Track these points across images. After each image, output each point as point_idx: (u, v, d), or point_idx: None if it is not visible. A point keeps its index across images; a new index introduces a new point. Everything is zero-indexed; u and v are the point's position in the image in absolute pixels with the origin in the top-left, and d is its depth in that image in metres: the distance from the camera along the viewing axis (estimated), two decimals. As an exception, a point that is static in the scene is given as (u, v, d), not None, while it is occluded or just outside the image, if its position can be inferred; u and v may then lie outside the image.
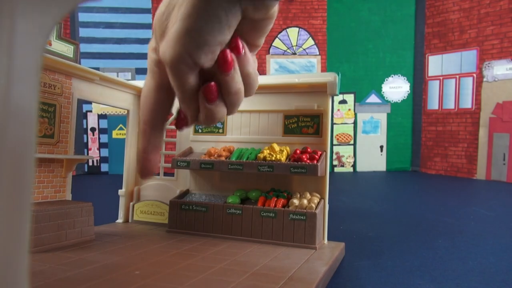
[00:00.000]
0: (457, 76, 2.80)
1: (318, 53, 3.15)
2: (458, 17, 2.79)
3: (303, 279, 0.48)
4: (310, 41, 3.15)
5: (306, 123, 0.73)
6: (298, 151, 0.71)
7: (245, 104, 0.78)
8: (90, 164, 2.94)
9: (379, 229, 0.94)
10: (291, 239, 0.65)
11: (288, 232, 0.65)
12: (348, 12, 3.13)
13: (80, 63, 0.74)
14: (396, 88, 3.10)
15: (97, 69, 3.27)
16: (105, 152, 2.96)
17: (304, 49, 3.16)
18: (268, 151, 0.71)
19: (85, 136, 2.94)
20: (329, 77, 0.69)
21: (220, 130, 0.80)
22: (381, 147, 3.11)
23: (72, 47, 0.74)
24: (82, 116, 2.93)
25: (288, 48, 3.15)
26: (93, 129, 2.95)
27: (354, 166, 3.12)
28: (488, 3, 2.63)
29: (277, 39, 3.14)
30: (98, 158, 2.95)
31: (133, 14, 2.99)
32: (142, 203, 0.85)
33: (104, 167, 2.95)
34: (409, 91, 3.11)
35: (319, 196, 0.70)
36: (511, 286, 0.57)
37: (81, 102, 2.91)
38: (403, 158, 3.14)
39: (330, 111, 0.71)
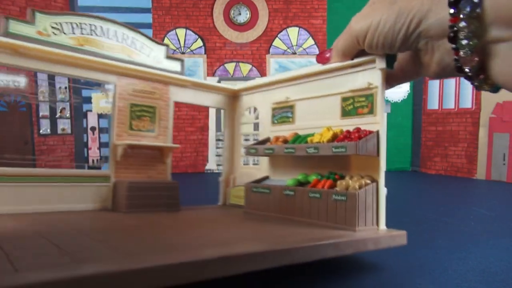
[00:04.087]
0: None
1: (318, 53, 3.15)
2: (458, 17, 2.79)
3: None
4: (310, 41, 3.15)
5: (361, 103, 0.71)
6: (346, 132, 0.69)
7: (306, 91, 0.81)
8: (90, 163, 2.95)
9: (379, 229, 0.93)
10: (333, 220, 0.64)
11: (331, 213, 0.65)
12: (348, 12, 3.12)
13: (184, 74, 0.93)
14: (396, 88, 3.10)
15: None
16: (105, 152, 2.96)
17: (304, 49, 3.15)
18: (318, 134, 0.72)
19: (85, 135, 2.94)
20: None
21: (290, 119, 0.83)
22: (381, 147, 3.11)
23: (179, 62, 0.94)
24: (82, 116, 2.93)
25: (288, 48, 3.15)
26: (93, 129, 2.95)
27: (354, 166, 3.12)
28: (488, 3, 2.62)
29: (277, 39, 3.14)
30: (98, 158, 2.95)
31: (133, 14, 2.99)
32: (235, 188, 0.95)
33: (105, 167, 2.95)
34: (409, 91, 3.11)
35: (372, 178, 0.66)
36: (511, 286, 0.57)
37: (81, 102, 2.91)
38: (403, 158, 3.14)
39: (383, 87, 0.66)
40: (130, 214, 0.75)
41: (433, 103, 2.97)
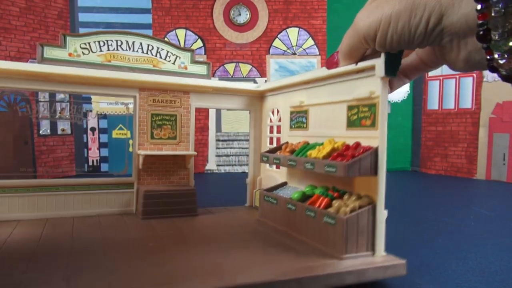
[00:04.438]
0: (457, 76, 2.80)
1: (318, 53, 3.15)
2: (458, 17, 2.79)
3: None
4: (310, 41, 3.15)
5: (365, 114, 0.63)
6: (344, 148, 0.64)
7: (318, 96, 0.77)
8: (90, 163, 2.94)
9: (379, 229, 0.93)
10: (324, 243, 0.60)
11: (323, 235, 0.61)
12: (348, 12, 3.12)
13: (210, 77, 0.95)
14: (396, 88, 3.10)
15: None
16: (105, 152, 2.96)
17: (304, 49, 3.16)
18: (319, 147, 0.67)
19: (85, 136, 2.93)
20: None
21: (304, 125, 0.81)
22: (381, 147, 3.11)
23: (205, 66, 0.96)
24: (82, 116, 2.93)
25: (288, 48, 3.15)
26: (93, 129, 2.95)
27: (354, 166, 3.11)
28: (488, 3, 2.62)
29: (277, 39, 3.14)
30: (98, 158, 2.95)
31: (133, 14, 2.99)
32: (260, 191, 0.95)
33: (104, 167, 2.95)
34: (409, 91, 3.11)
35: (370, 199, 0.61)
36: (511, 286, 0.57)
37: (81, 102, 2.91)
38: (403, 158, 3.14)
39: (385, 97, 0.59)
40: (147, 221, 0.79)
41: (433, 103, 2.97)
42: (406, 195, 1.77)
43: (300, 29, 3.15)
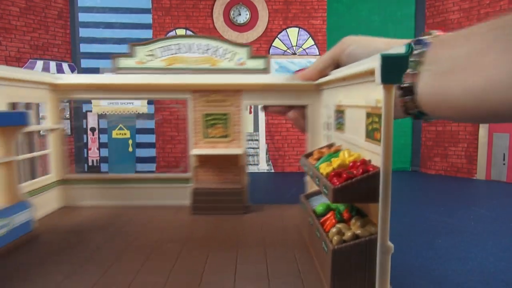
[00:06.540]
0: (457, 76, 2.80)
1: (318, 53, 3.15)
2: (458, 17, 2.79)
3: None
4: (310, 41, 3.15)
5: (377, 125, 0.54)
6: (351, 165, 0.57)
7: (351, 97, 0.67)
8: (90, 164, 2.94)
9: (379, 229, 0.93)
10: (323, 271, 0.53)
11: (321, 263, 0.55)
12: (348, 12, 3.12)
13: (269, 70, 0.98)
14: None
15: (97, 69, 3.24)
16: (105, 152, 2.96)
17: (304, 49, 3.15)
18: (332, 160, 0.61)
19: (85, 136, 2.93)
20: (374, 61, 0.43)
21: (342, 127, 0.72)
22: (381, 147, 3.11)
23: (263, 60, 0.98)
24: (82, 116, 2.93)
25: (288, 48, 3.15)
26: (93, 129, 2.95)
27: (354, 166, 3.12)
28: (488, 3, 2.62)
29: (277, 39, 3.14)
30: (98, 158, 2.95)
31: (133, 14, 2.99)
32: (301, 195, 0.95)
33: (104, 167, 2.95)
34: (409, 91, 3.12)
35: (375, 228, 0.54)
36: (511, 286, 0.57)
37: (81, 102, 2.90)
38: (403, 158, 3.14)
39: (389, 109, 0.49)
40: (194, 216, 0.84)
41: (433, 103, 2.98)
42: (406, 195, 1.78)
43: (300, 29, 3.14)
